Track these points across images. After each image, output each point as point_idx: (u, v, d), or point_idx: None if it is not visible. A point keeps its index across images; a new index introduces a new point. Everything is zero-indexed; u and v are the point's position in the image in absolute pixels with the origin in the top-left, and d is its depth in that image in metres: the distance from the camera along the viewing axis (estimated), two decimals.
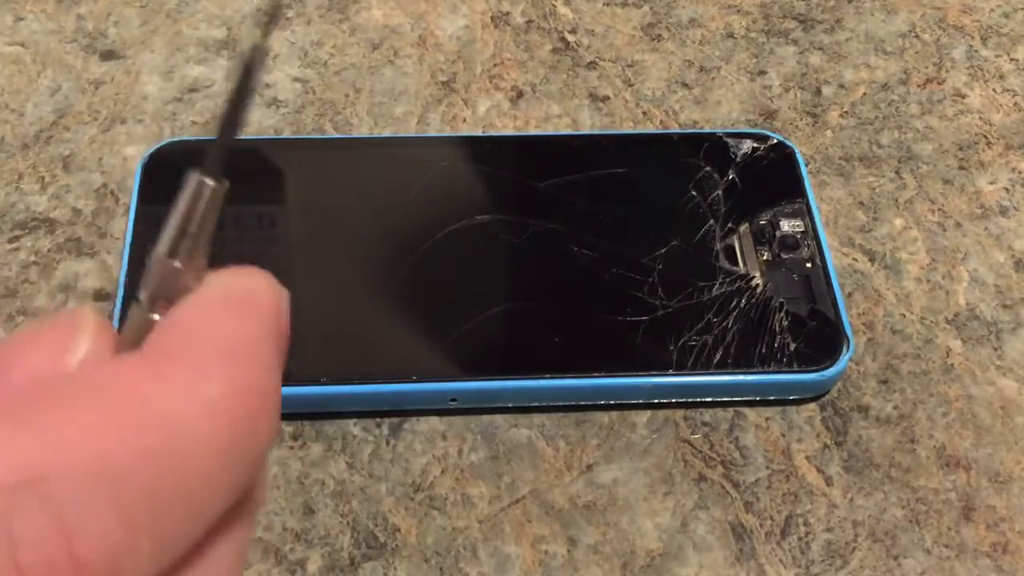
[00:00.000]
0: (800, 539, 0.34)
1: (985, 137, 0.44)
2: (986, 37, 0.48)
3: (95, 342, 0.20)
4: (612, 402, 0.36)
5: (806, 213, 0.40)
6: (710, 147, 0.42)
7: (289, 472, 0.35)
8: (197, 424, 0.19)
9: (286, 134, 0.43)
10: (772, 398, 0.37)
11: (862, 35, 0.48)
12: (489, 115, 0.44)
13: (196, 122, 0.44)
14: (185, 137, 0.43)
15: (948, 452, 0.36)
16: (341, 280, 0.38)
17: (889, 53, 0.47)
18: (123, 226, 0.40)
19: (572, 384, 0.36)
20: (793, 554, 0.34)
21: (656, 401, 0.36)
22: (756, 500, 0.35)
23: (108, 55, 0.46)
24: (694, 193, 0.40)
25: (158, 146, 0.41)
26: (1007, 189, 0.43)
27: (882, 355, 0.38)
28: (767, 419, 0.37)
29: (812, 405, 0.37)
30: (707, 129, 0.44)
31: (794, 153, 0.42)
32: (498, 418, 0.36)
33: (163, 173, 0.40)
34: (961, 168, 0.43)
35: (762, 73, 0.46)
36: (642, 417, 0.37)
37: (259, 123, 0.44)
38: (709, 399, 0.37)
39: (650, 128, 0.44)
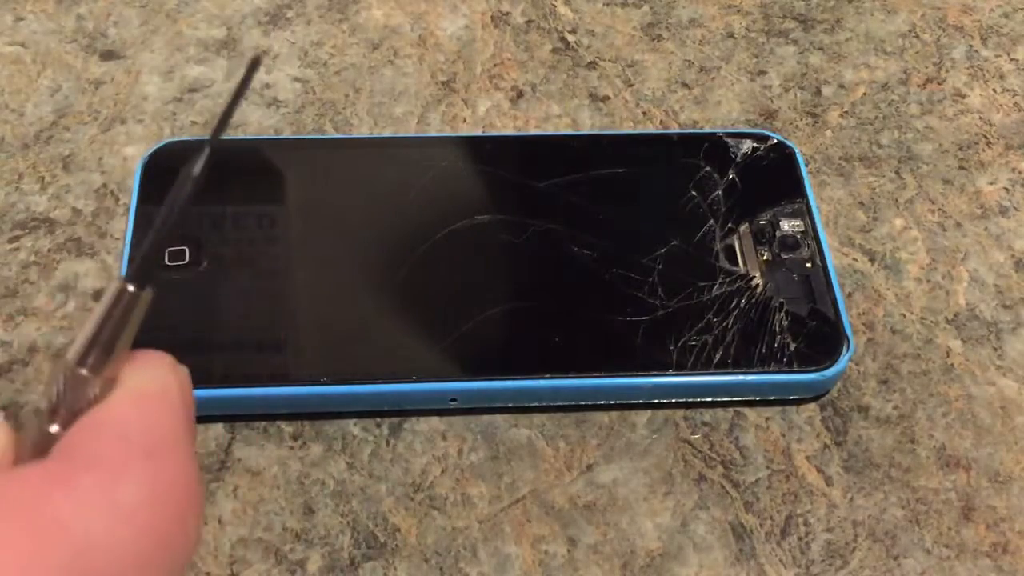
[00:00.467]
0: (800, 539, 0.34)
1: (985, 137, 0.44)
2: (986, 37, 0.48)
3: None
4: (612, 402, 0.36)
5: (806, 213, 0.40)
6: (710, 147, 0.42)
7: (289, 472, 0.35)
8: (118, 536, 0.17)
9: (286, 134, 0.43)
10: (772, 398, 0.37)
11: (862, 35, 0.48)
12: (489, 115, 0.44)
13: (196, 122, 0.44)
14: (185, 137, 0.43)
15: (948, 452, 0.36)
16: (341, 280, 0.38)
17: (889, 53, 0.47)
18: (123, 226, 0.40)
19: (572, 384, 0.36)
20: (793, 554, 0.34)
21: (656, 401, 0.36)
22: (756, 500, 0.35)
23: (108, 55, 0.46)
24: (694, 193, 0.40)
25: (158, 146, 0.41)
26: (1007, 189, 0.43)
27: (882, 355, 0.38)
28: (767, 419, 0.37)
29: (812, 405, 0.37)
30: (707, 129, 0.44)
31: (794, 153, 0.42)
32: (498, 418, 0.36)
33: (163, 173, 0.40)
34: (961, 168, 0.43)
35: (762, 73, 0.46)
36: (642, 417, 0.37)
37: (259, 123, 0.44)
38: (709, 399, 0.37)
39: (650, 128, 0.44)
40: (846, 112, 0.45)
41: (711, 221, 0.40)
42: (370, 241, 0.39)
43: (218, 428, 0.36)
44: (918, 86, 0.46)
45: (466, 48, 0.47)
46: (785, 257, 0.39)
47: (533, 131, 0.44)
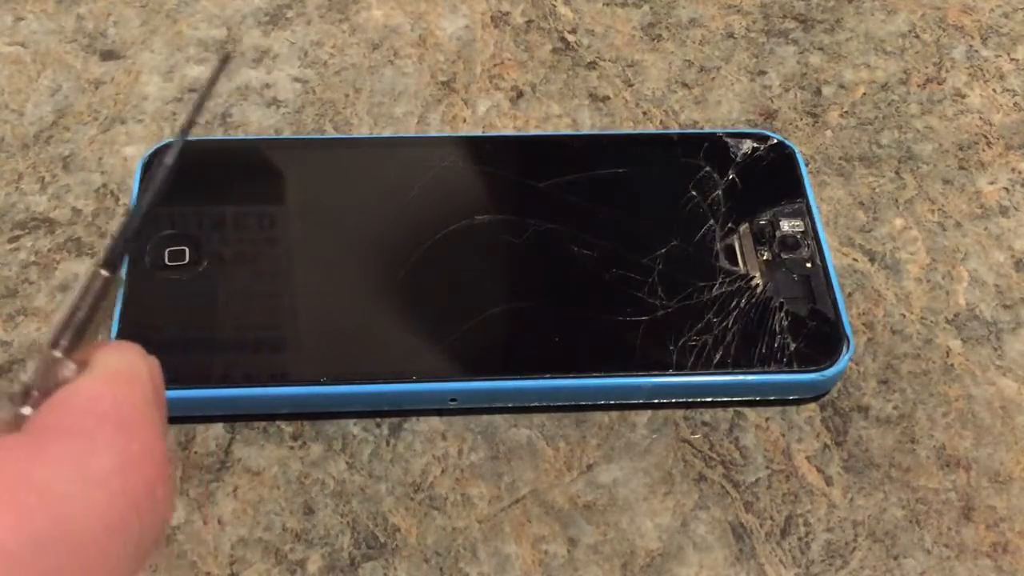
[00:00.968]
0: (800, 539, 0.34)
1: (985, 137, 0.44)
2: (986, 37, 0.48)
3: None
4: (612, 402, 0.36)
5: (806, 213, 0.40)
6: (710, 147, 0.42)
7: (289, 472, 0.35)
8: (91, 500, 0.18)
9: (286, 134, 0.43)
10: (772, 398, 0.37)
11: (862, 35, 0.48)
12: (489, 115, 0.44)
13: (196, 122, 0.44)
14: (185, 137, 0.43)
15: (948, 452, 0.36)
16: (341, 280, 0.38)
17: (889, 53, 0.47)
18: None
19: (572, 384, 0.36)
20: (793, 554, 0.34)
21: (656, 401, 0.36)
22: (756, 500, 0.35)
23: (108, 55, 0.46)
24: (694, 193, 0.40)
25: (158, 146, 0.41)
26: (1007, 189, 0.43)
27: (882, 355, 0.38)
28: (767, 419, 0.37)
29: (812, 405, 0.37)
30: (707, 129, 0.44)
31: (794, 153, 0.42)
32: (498, 418, 0.36)
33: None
34: (961, 168, 0.43)
35: (762, 73, 0.46)
36: (642, 417, 0.37)
37: (259, 123, 0.44)
38: (709, 399, 0.37)
39: (650, 128, 0.44)
40: (846, 112, 0.45)
41: (711, 221, 0.40)
42: (370, 241, 0.39)
43: (218, 428, 0.36)
44: (918, 86, 0.46)
45: (466, 48, 0.47)
46: (785, 257, 0.39)
47: (533, 131, 0.44)
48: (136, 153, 0.42)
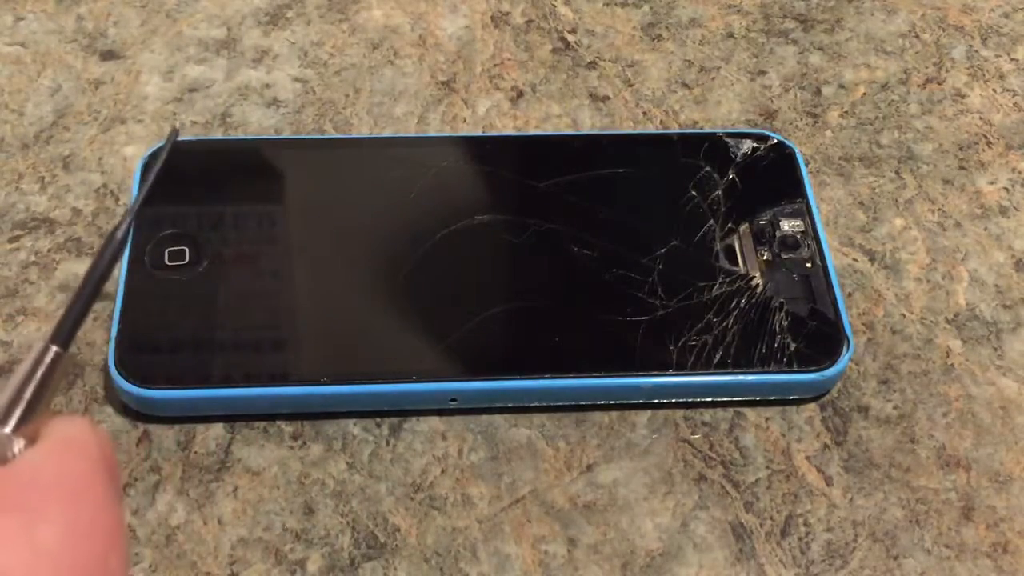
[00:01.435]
0: (800, 539, 0.34)
1: (985, 137, 0.44)
2: (986, 37, 0.48)
3: None
4: (612, 402, 0.36)
5: (806, 213, 0.40)
6: (710, 147, 0.42)
7: (289, 472, 0.35)
8: (36, 574, 0.18)
9: (286, 134, 0.43)
10: (772, 398, 0.37)
11: (862, 35, 0.48)
12: (489, 115, 0.44)
13: (196, 122, 0.44)
14: (185, 137, 0.43)
15: (948, 452, 0.36)
16: (341, 280, 0.38)
17: (889, 53, 0.47)
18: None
19: (572, 384, 0.36)
20: (793, 554, 0.34)
21: (656, 401, 0.36)
22: (756, 500, 0.35)
23: (108, 55, 0.46)
24: (694, 193, 0.40)
25: (158, 146, 0.41)
26: (1007, 189, 0.43)
27: (882, 355, 0.38)
28: (767, 419, 0.37)
29: (812, 405, 0.37)
30: (707, 129, 0.44)
31: (794, 153, 0.42)
32: (498, 418, 0.36)
33: (163, 173, 0.40)
34: (961, 168, 0.43)
35: (762, 73, 0.46)
36: (642, 417, 0.37)
37: (259, 123, 0.44)
38: (709, 399, 0.37)
39: (650, 128, 0.44)
40: (846, 112, 0.45)
41: (711, 221, 0.40)
42: (370, 241, 0.39)
43: (218, 428, 0.36)
44: (918, 86, 0.46)
45: (466, 48, 0.47)
46: (785, 257, 0.39)
47: (533, 131, 0.44)
48: (136, 153, 0.42)
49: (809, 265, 0.38)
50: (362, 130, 0.44)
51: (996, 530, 0.35)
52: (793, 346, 0.36)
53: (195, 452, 0.35)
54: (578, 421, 0.36)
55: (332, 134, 0.43)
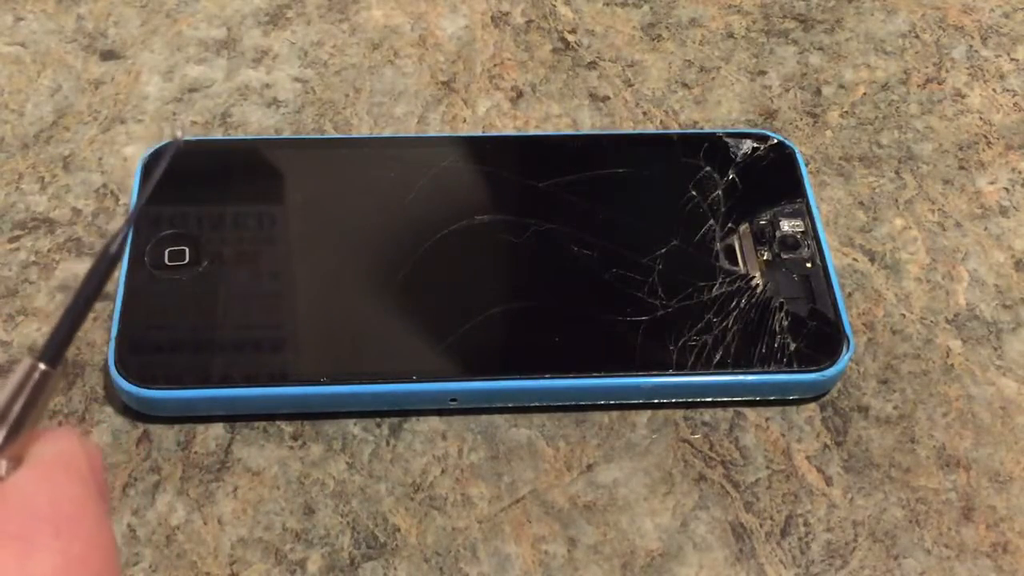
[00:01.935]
0: (800, 539, 0.34)
1: (985, 137, 0.44)
2: (986, 37, 0.48)
3: None
4: (612, 402, 0.36)
5: (806, 213, 0.40)
6: (710, 147, 0.42)
7: (289, 472, 0.35)
8: None
9: (286, 134, 0.43)
10: (772, 398, 0.37)
11: (862, 35, 0.48)
12: (489, 115, 0.44)
13: (196, 122, 0.44)
14: (186, 137, 0.43)
15: (948, 452, 0.36)
16: (341, 280, 0.38)
17: (889, 53, 0.47)
18: None
19: (572, 384, 0.36)
20: (793, 554, 0.34)
21: (656, 401, 0.36)
22: (756, 500, 0.35)
23: (108, 55, 0.46)
24: (694, 193, 0.40)
25: (158, 146, 0.41)
26: (1007, 189, 0.43)
27: (882, 355, 0.38)
28: (767, 419, 0.37)
29: (812, 405, 0.37)
30: (707, 129, 0.44)
31: (794, 153, 0.42)
32: (498, 418, 0.36)
33: (163, 173, 0.40)
34: (961, 168, 0.43)
35: (762, 73, 0.46)
36: (642, 417, 0.37)
37: (259, 123, 0.44)
38: (709, 399, 0.37)
39: (650, 128, 0.44)
40: (846, 112, 0.45)
41: (711, 221, 0.40)
42: (370, 241, 0.39)
43: (218, 428, 0.36)
44: (918, 86, 0.46)
45: (466, 48, 0.47)
46: (785, 257, 0.39)
47: (533, 131, 0.44)
48: (136, 153, 0.42)
49: (809, 265, 0.38)
50: (362, 130, 0.44)
51: (996, 530, 0.35)
52: (793, 346, 0.36)
53: (195, 452, 0.35)
54: (578, 421, 0.36)
55: (332, 134, 0.43)
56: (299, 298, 0.38)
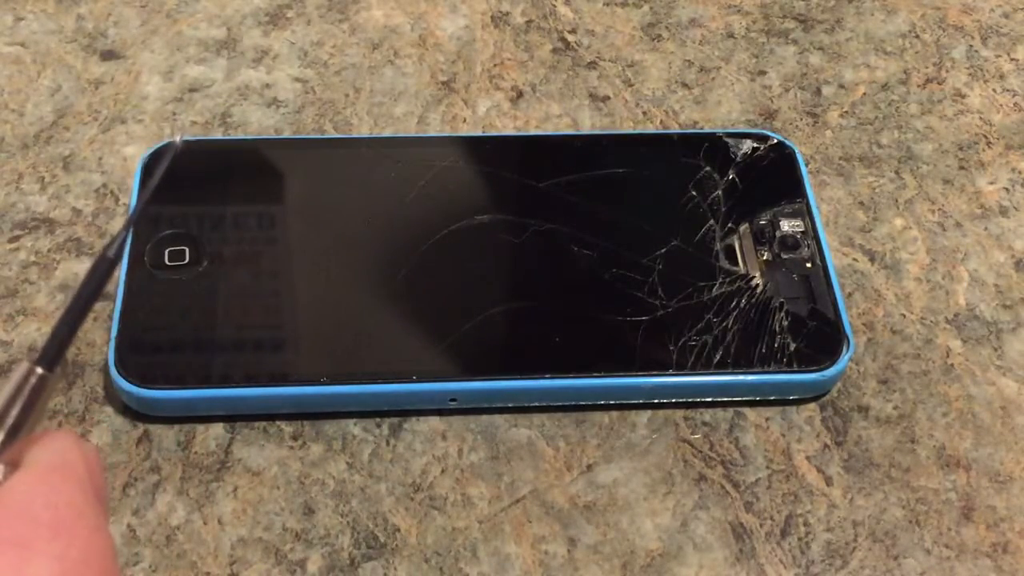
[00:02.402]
0: (800, 539, 0.34)
1: (985, 137, 0.44)
2: (986, 37, 0.48)
3: None
4: (612, 402, 0.36)
5: (806, 213, 0.40)
6: (710, 147, 0.42)
7: (289, 472, 0.35)
8: None
9: (286, 134, 0.43)
10: (772, 398, 0.37)
11: (862, 35, 0.48)
12: (489, 115, 0.44)
13: (196, 122, 0.44)
14: (186, 137, 0.43)
15: (948, 452, 0.36)
16: (341, 280, 0.38)
17: (889, 53, 0.47)
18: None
19: (572, 384, 0.36)
20: (793, 554, 0.34)
21: (656, 401, 0.36)
22: (756, 500, 0.35)
23: (108, 55, 0.46)
24: (694, 193, 0.40)
25: (158, 146, 0.41)
26: (1007, 189, 0.43)
27: (882, 355, 0.38)
28: (767, 419, 0.37)
29: (812, 405, 0.37)
30: (707, 129, 0.44)
31: (794, 153, 0.42)
32: (498, 418, 0.36)
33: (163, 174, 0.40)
34: (961, 168, 0.43)
35: (762, 73, 0.46)
36: (642, 417, 0.37)
37: (259, 123, 0.44)
38: (709, 399, 0.37)
39: (650, 128, 0.44)
40: (846, 112, 0.45)
41: (711, 221, 0.40)
42: (370, 241, 0.39)
43: (218, 428, 0.36)
44: (918, 86, 0.46)
45: (466, 48, 0.47)
46: (785, 257, 0.39)
47: (533, 131, 0.44)
48: (136, 153, 0.42)
49: (809, 265, 0.38)
50: (362, 130, 0.44)
51: (996, 530, 0.35)
52: (793, 346, 0.36)
53: (195, 452, 0.35)
54: (578, 421, 0.36)
55: (332, 134, 0.43)
56: (299, 298, 0.38)
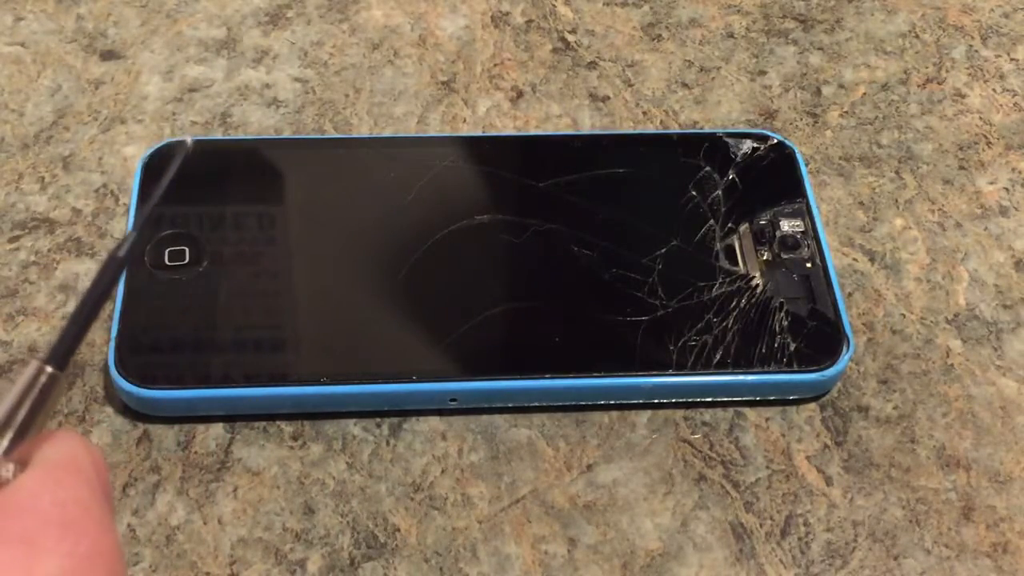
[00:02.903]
0: (800, 539, 0.34)
1: (985, 137, 0.44)
2: (986, 37, 0.48)
3: None
4: (612, 402, 0.36)
5: (806, 213, 0.40)
6: (710, 147, 0.42)
7: (289, 472, 0.35)
8: None
9: (286, 134, 0.43)
10: (772, 398, 0.37)
11: (862, 35, 0.48)
12: (489, 115, 0.44)
13: (196, 122, 0.44)
14: (194, 138, 0.43)
15: (948, 452, 0.36)
16: (341, 280, 0.38)
17: (889, 53, 0.47)
18: (123, 226, 0.40)
19: (572, 384, 0.36)
20: (793, 554, 0.34)
21: (656, 401, 0.36)
22: (756, 500, 0.35)
23: (108, 55, 0.46)
24: (694, 193, 0.40)
25: (158, 146, 0.41)
26: (1007, 189, 0.43)
27: (882, 355, 0.38)
28: (767, 419, 0.37)
29: (812, 405, 0.37)
30: (707, 129, 0.44)
31: (794, 153, 0.42)
32: (498, 418, 0.36)
33: (163, 173, 0.40)
34: (961, 168, 0.43)
35: (762, 73, 0.46)
36: (642, 417, 0.37)
37: (259, 123, 0.44)
38: (709, 399, 0.37)
39: (650, 128, 0.44)
40: (846, 112, 0.45)
41: (711, 221, 0.40)
42: (370, 241, 0.39)
43: (218, 428, 0.36)
44: (918, 86, 0.46)
45: (466, 48, 0.47)
46: (785, 257, 0.39)
47: (533, 131, 0.44)
48: (136, 153, 0.42)
49: (809, 265, 0.38)
50: (362, 130, 0.44)
51: (996, 530, 0.35)
52: (793, 346, 0.36)
53: (195, 452, 0.35)
54: (578, 421, 0.36)
55: (332, 134, 0.43)
56: (299, 298, 0.38)
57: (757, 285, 0.38)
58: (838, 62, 0.47)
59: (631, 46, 0.47)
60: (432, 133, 0.44)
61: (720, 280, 0.38)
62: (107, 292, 0.22)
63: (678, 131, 0.44)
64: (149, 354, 0.36)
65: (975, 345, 0.39)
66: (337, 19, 0.48)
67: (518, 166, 0.41)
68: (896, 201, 0.42)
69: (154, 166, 0.40)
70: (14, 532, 0.19)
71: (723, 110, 0.45)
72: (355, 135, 0.43)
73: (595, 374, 0.36)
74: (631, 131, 0.44)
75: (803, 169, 0.41)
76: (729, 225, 0.39)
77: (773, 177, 0.41)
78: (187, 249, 0.38)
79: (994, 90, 0.46)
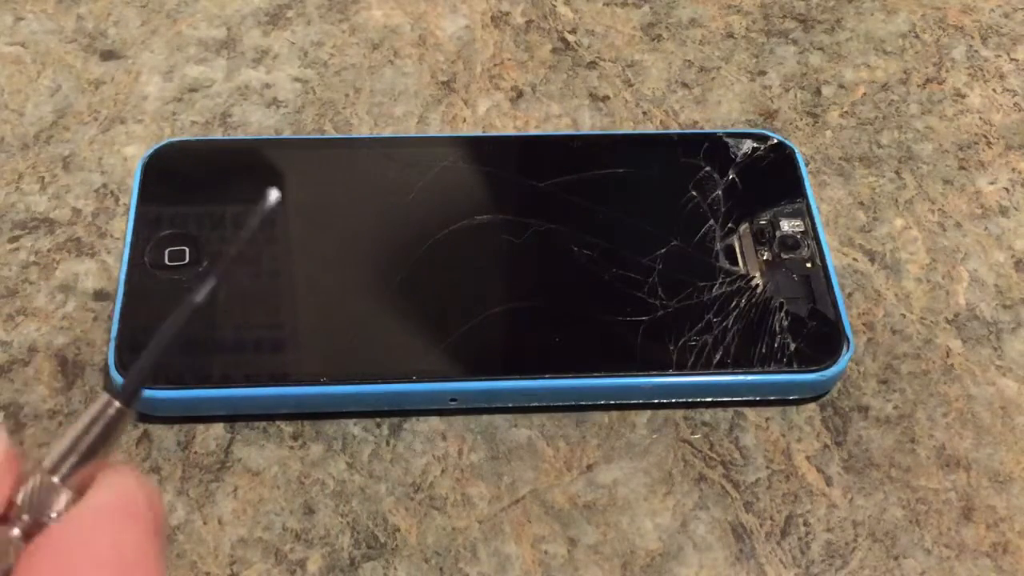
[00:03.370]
0: (800, 539, 0.34)
1: (985, 137, 0.44)
2: (986, 37, 0.48)
3: None
4: (612, 402, 0.36)
5: (806, 213, 0.40)
6: (710, 147, 0.42)
7: (289, 472, 0.35)
8: None
9: (286, 134, 0.43)
10: (772, 398, 0.37)
11: (862, 35, 0.48)
12: (489, 115, 0.44)
13: (196, 122, 0.44)
14: (185, 137, 0.43)
15: (948, 452, 0.36)
16: (341, 280, 0.38)
17: (889, 53, 0.47)
18: (123, 226, 0.40)
19: (572, 384, 0.36)
20: (793, 554, 0.34)
21: (656, 401, 0.36)
22: (756, 500, 0.35)
23: (108, 55, 0.46)
24: (694, 193, 0.40)
25: (158, 146, 0.41)
26: (1007, 189, 0.43)
27: (882, 355, 0.38)
28: (767, 419, 0.37)
29: (812, 405, 0.37)
30: (707, 129, 0.44)
31: (794, 153, 0.42)
32: (498, 418, 0.36)
33: (163, 173, 0.40)
34: (961, 168, 0.43)
35: (762, 73, 0.46)
36: (642, 417, 0.37)
37: (259, 123, 0.44)
38: (709, 399, 0.37)
39: (650, 128, 0.44)
40: (846, 112, 0.45)
41: (711, 221, 0.40)
42: (370, 241, 0.39)
43: (218, 428, 0.36)
44: (918, 86, 0.46)
45: (466, 48, 0.47)
46: (785, 257, 0.39)
47: (533, 131, 0.44)
48: (136, 153, 0.42)
49: (809, 265, 0.38)
50: (362, 130, 0.44)
51: (996, 530, 0.35)
52: (793, 346, 0.36)
53: (195, 452, 0.35)
54: (578, 421, 0.36)
55: (332, 134, 0.43)
56: (299, 298, 0.38)
57: (757, 285, 0.38)
58: (838, 62, 0.47)
59: (631, 46, 0.47)
60: (432, 133, 0.44)
61: (720, 280, 0.38)
62: (177, 334, 0.22)
63: (678, 131, 0.44)
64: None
65: (975, 345, 0.39)
66: (337, 19, 0.48)
67: (518, 166, 0.41)
68: (896, 201, 0.42)
69: (154, 166, 0.40)
70: (70, 571, 0.19)
71: (723, 110, 0.45)
72: (355, 135, 0.43)
73: (595, 374, 0.36)
74: (631, 131, 0.44)
75: (803, 169, 0.41)
76: (729, 225, 0.39)
77: (773, 177, 0.41)
78: (187, 249, 0.38)
79: (994, 90, 0.46)
